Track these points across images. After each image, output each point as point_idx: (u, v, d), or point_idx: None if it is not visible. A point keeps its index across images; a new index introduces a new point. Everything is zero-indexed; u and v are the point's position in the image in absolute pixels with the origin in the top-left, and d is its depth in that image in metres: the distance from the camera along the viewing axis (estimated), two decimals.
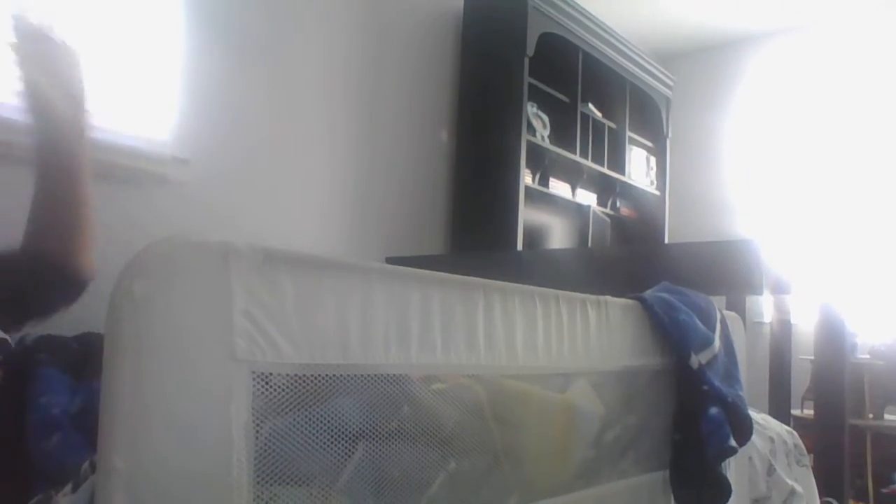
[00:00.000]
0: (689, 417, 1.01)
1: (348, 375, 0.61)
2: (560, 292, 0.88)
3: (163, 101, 2.32)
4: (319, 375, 0.59)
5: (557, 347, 0.86)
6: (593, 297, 0.94)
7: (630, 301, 1.03)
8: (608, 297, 0.98)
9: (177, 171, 2.31)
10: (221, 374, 0.54)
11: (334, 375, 0.60)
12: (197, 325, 0.54)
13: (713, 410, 0.99)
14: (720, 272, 1.79)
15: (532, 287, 0.84)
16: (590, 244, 3.63)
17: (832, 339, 1.60)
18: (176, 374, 0.52)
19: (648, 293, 1.10)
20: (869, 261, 3.69)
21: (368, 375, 0.63)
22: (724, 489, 1.01)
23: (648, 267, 1.94)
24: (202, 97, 2.41)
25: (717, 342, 1.07)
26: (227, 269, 0.55)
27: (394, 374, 0.65)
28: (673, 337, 1.01)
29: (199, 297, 0.54)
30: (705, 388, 1.00)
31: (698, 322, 1.05)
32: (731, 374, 1.08)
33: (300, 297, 0.59)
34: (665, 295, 1.09)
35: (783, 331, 1.81)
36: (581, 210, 3.70)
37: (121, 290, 0.51)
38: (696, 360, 1.01)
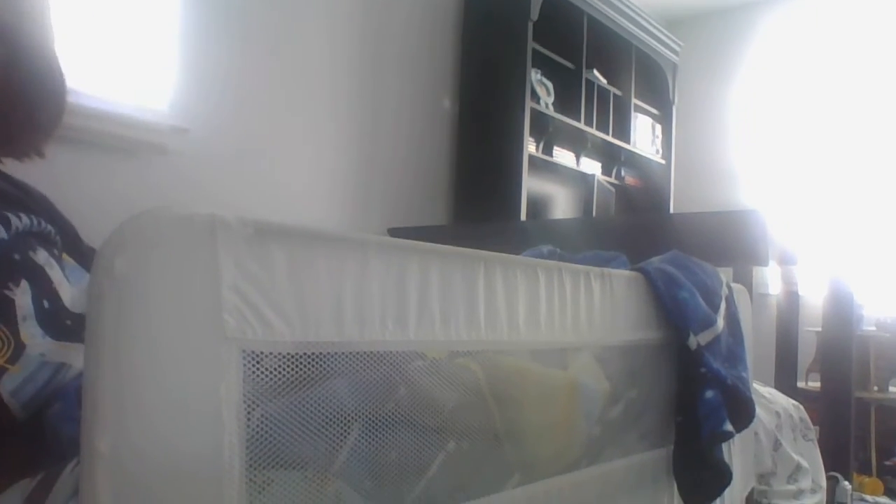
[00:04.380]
0: (688, 399, 0.99)
1: (343, 353, 0.59)
2: (563, 264, 0.85)
3: (161, 69, 2.28)
4: (313, 353, 0.57)
5: (560, 321, 0.84)
6: (597, 269, 0.91)
7: (634, 273, 1.00)
8: (612, 269, 0.96)
9: (176, 140, 2.27)
10: (210, 354, 0.52)
11: (329, 353, 0.58)
12: (183, 302, 0.51)
13: (709, 394, 0.96)
14: (726, 243, 1.77)
15: (535, 259, 0.82)
16: (594, 214, 3.60)
17: (840, 312, 1.57)
18: (162, 354, 0.50)
19: (654, 262, 1.08)
20: (875, 232, 3.66)
21: (364, 353, 0.61)
22: (724, 474, 0.99)
23: (653, 237, 1.92)
24: (201, 65, 2.37)
25: (720, 322, 1.04)
26: (214, 243, 0.52)
27: (391, 352, 0.63)
28: (672, 315, 0.99)
29: (185, 272, 0.51)
30: (703, 370, 0.98)
31: (700, 301, 1.02)
32: (735, 354, 1.06)
33: (293, 272, 0.57)
34: (669, 268, 1.06)
35: (790, 303, 1.79)
36: (585, 179, 3.66)
37: (101, 266, 0.48)
38: (695, 340, 0.98)
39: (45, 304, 0.78)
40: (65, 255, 0.89)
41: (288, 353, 0.55)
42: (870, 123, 3.94)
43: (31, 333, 0.75)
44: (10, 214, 0.81)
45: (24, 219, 0.83)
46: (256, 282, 0.54)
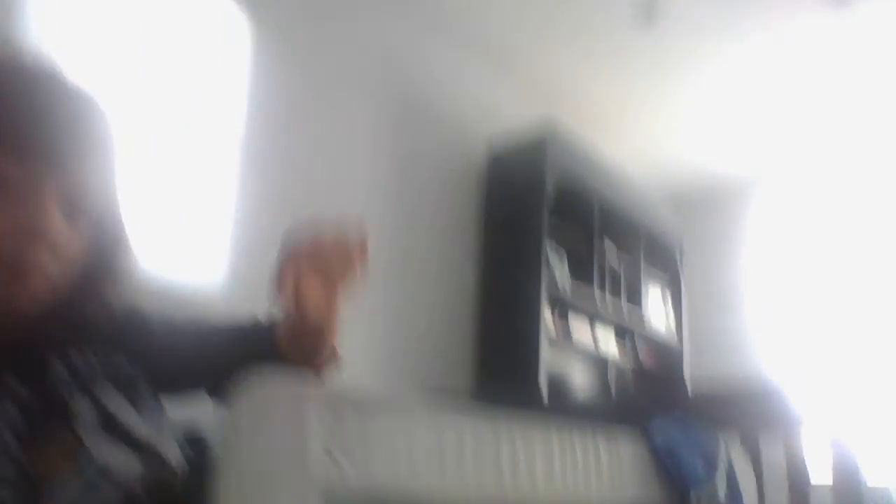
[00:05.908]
0: None
1: (399, 499, 0.75)
2: (576, 430, 1.01)
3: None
4: (376, 497, 0.73)
5: (573, 479, 0.98)
6: (604, 433, 1.06)
7: (638, 436, 1.13)
8: (619, 434, 1.09)
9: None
10: (300, 496, 0.68)
11: (388, 499, 0.74)
12: (282, 454, 0.69)
13: None
14: (740, 412, 1.85)
15: (551, 425, 0.97)
16: (609, 380, 3.72)
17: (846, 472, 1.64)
18: (265, 496, 0.67)
19: (659, 424, 1.20)
20: (883, 396, 3.67)
21: (412, 499, 0.76)
22: None
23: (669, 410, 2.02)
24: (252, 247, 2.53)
25: (719, 481, 1.16)
26: (306, 411, 0.70)
27: (429, 497, 0.79)
28: (672, 475, 1.11)
29: (285, 431, 0.69)
30: None
31: (700, 460, 1.15)
32: None
33: (363, 432, 0.74)
34: (672, 431, 1.19)
35: (798, 466, 1.84)
36: (600, 359, 3.83)
37: (229, 423, 0.67)
38: (696, 498, 1.10)
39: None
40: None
41: (357, 496, 0.72)
42: (869, 285, 4.08)
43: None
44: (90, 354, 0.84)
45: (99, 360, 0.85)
46: (336, 438, 0.72)
